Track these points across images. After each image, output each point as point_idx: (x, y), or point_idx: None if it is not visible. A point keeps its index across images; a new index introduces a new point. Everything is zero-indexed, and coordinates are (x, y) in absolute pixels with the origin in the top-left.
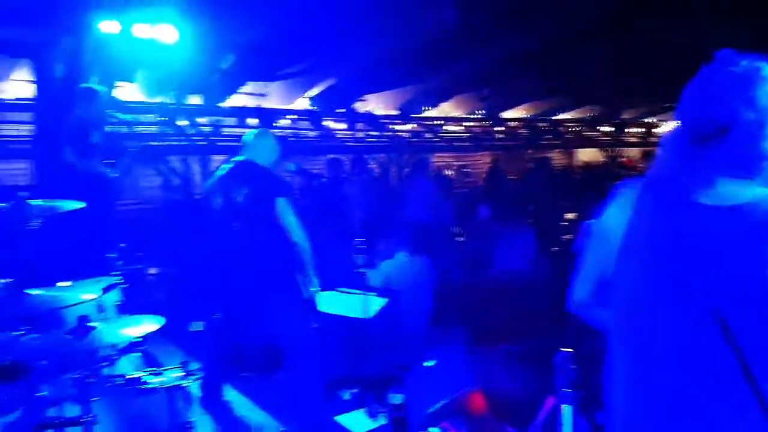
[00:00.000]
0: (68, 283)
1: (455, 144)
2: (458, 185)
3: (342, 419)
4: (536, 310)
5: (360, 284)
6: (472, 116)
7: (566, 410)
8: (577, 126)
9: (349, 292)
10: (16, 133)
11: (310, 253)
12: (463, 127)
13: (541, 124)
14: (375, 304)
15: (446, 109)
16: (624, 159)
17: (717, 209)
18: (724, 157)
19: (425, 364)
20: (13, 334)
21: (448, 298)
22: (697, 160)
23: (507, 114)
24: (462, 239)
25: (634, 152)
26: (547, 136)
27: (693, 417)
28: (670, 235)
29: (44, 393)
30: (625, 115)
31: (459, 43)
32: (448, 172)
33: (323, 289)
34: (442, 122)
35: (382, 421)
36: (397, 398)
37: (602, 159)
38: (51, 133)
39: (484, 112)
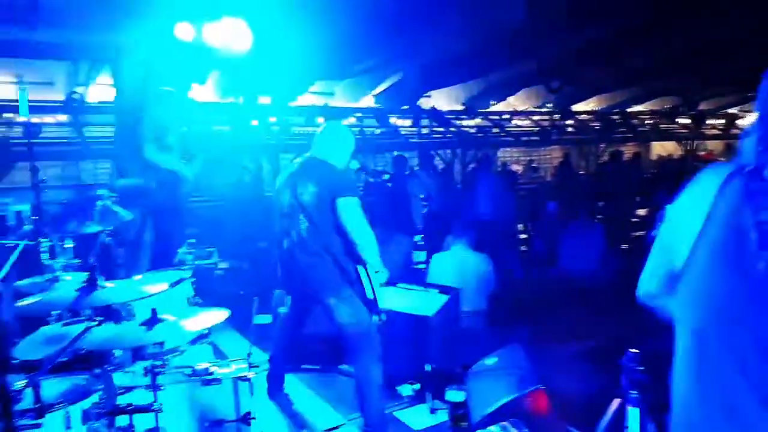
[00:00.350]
0: (141, 276)
1: (523, 139)
2: (526, 181)
3: (402, 415)
4: (602, 309)
5: (420, 280)
6: (540, 110)
7: (632, 413)
8: (653, 118)
9: (409, 288)
10: (99, 134)
11: (374, 252)
12: (531, 121)
13: (613, 117)
14: (436, 300)
15: (513, 102)
16: (703, 152)
17: None
18: None
19: (486, 361)
20: (91, 323)
21: (511, 294)
22: None
23: (577, 107)
24: (526, 236)
25: (715, 145)
26: (620, 130)
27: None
28: (753, 228)
29: (117, 381)
30: (705, 106)
31: (527, 34)
32: (516, 168)
33: (385, 285)
34: (509, 116)
35: (442, 417)
36: (457, 395)
37: (680, 153)
38: (129, 134)
39: (553, 105)
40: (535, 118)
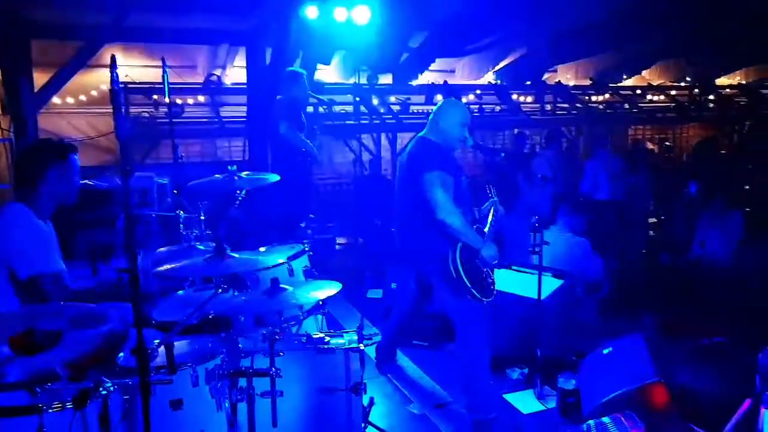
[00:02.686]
0: (265, 248)
1: (657, 115)
2: (658, 161)
3: (510, 398)
4: (737, 303)
5: (535, 263)
6: (678, 84)
7: (766, 415)
8: None
9: (523, 271)
10: (234, 114)
11: (461, 230)
12: (667, 97)
13: (763, 91)
14: (549, 284)
15: (648, 77)
16: None
17: None
18: None
19: (603, 350)
20: (218, 291)
21: (634, 281)
22: None
23: (721, 81)
24: (656, 220)
25: None
26: None
27: None
28: None
29: (240, 345)
30: None
31: (664, 2)
32: (649, 146)
33: (499, 267)
34: (643, 91)
35: (551, 404)
36: (568, 383)
37: None
38: (260, 113)
39: (692, 79)
40: (672, 93)
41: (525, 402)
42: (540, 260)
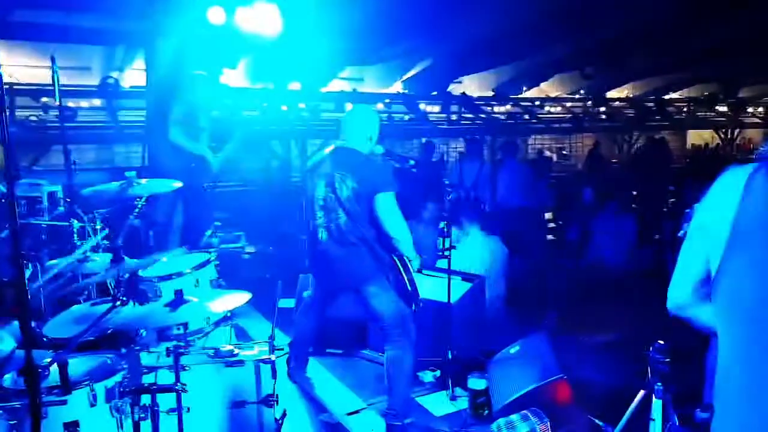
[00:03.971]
0: (166, 258)
1: (555, 126)
2: (557, 169)
3: (423, 401)
4: (630, 300)
5: (444, 267)
6: (573, 96)
7: (657, 405)
8: (690, 105)
9: (433, 275)
10: (133, 119)
11: (410, 244)
12: (563, 108)
13: (648, 104)
14: (458, 287)
15: (546, 89)
16: (741, 142)
17: None
18: None
19: (509, 350)
20: (116, 304)
21: (537, 284)
22: None
23: (611, 93)
24: (555, 225)
25: (755, 134)
26: (655, 117)
27: None
28: None
29: (142, 360)
30: (746, 93)
31: (560, 19)
32: (548, 155)
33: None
34: (541, 103)
35: (462, 405)
36: (479, 383)
37: (717, 141)
38: (160, 118)
39: (586, 91)
40: (568, 104)
41: (437, 404)
42: (449, 264)
